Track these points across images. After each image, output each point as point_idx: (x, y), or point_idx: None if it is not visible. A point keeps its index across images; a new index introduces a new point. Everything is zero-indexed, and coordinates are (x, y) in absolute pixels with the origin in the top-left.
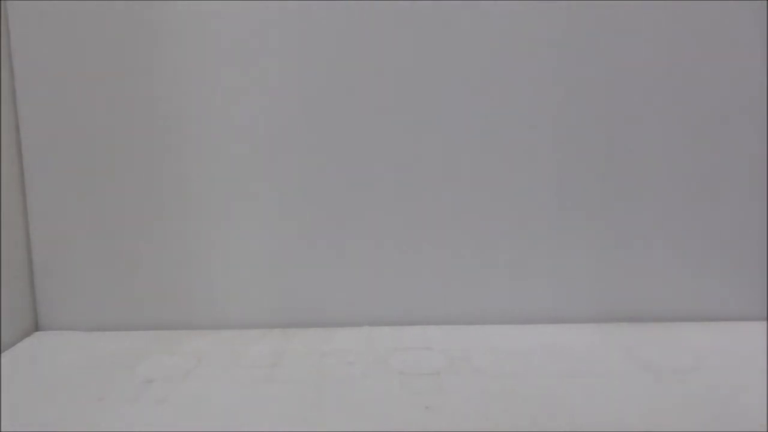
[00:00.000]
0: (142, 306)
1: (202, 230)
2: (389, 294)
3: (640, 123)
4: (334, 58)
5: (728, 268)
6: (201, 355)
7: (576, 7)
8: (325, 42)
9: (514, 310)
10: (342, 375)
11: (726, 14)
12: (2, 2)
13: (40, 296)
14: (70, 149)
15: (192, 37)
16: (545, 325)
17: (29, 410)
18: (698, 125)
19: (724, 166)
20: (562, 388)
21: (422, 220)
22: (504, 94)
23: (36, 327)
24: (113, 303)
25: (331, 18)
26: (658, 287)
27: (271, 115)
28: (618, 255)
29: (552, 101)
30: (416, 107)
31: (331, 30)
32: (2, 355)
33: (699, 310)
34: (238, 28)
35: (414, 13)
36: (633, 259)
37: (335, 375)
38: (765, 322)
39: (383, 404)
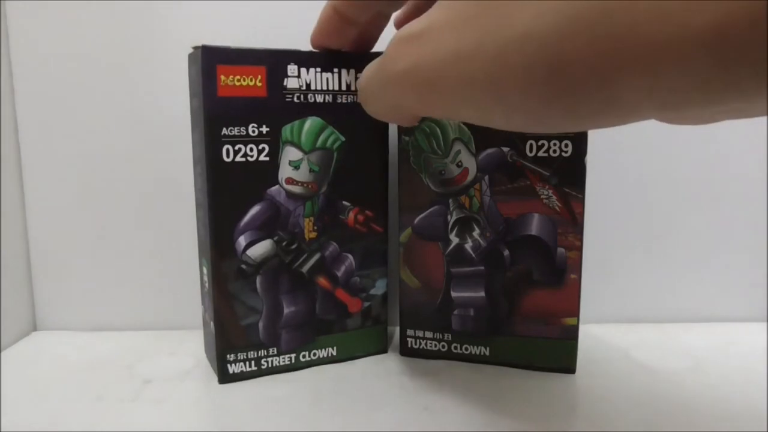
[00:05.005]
0: (141, 306)
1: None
2: None
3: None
4: None
5: (728, 268)
6: (200, 356)
7: None
8: None
9: None
10: (341, 374)
11: None
12: (1, 2)
13: (38, 296)
14: (69, 148)
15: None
16: None
17: (28, 410)
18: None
19: (724, 165)
20: (562, 389)
21: None
22: None
23: (34, 327)
24: (112, 303)
25: None
26: (657, 288)
27: None
28: (617, 255)
29: None
30: None
31: None
32: (1, 355)
33: (698, 311)
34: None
35: None
36: (632, 259)
37: (334, 374)
38: (765, 323)
39: (383, 404)
